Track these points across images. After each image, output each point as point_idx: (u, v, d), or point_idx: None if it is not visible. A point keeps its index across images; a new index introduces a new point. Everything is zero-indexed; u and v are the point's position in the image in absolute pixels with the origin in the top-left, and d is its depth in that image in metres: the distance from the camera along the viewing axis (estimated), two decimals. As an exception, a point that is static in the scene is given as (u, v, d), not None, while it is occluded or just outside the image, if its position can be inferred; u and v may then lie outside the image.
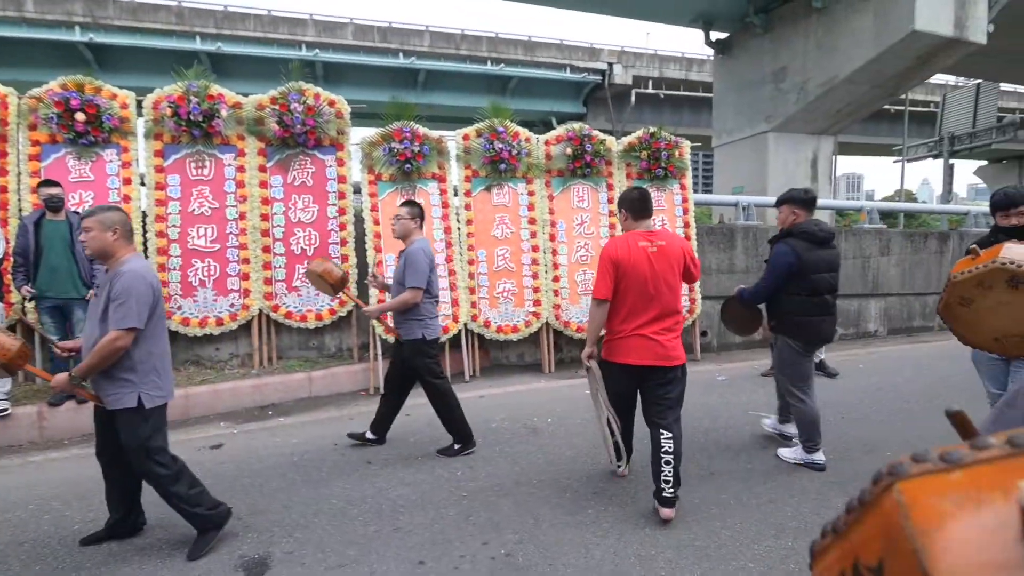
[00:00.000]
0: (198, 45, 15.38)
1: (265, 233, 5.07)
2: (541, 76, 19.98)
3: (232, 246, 4.96)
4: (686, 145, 6.39)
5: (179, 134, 4.82)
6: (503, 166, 5.65)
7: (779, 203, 3.49)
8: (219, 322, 4.91)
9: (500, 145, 5.61)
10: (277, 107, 5.01)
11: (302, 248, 5.21)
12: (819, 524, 2.00)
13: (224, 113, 4.87)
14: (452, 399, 3.62)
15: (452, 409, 3.60)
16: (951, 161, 16.99)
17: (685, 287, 3.95)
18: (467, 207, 5.68)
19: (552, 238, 5.90)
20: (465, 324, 5.51)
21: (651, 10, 13.72)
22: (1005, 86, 18.05)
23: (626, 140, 6.22)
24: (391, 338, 5.15)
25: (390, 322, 4.23)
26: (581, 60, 20.65)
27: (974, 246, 1.56)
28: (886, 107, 20.97)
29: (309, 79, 5.30)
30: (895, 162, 21.60)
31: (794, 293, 3.29)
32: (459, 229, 5.63)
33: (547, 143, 5.95)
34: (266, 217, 5.11)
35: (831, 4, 11.46)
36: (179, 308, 4.81)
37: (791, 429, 3.61)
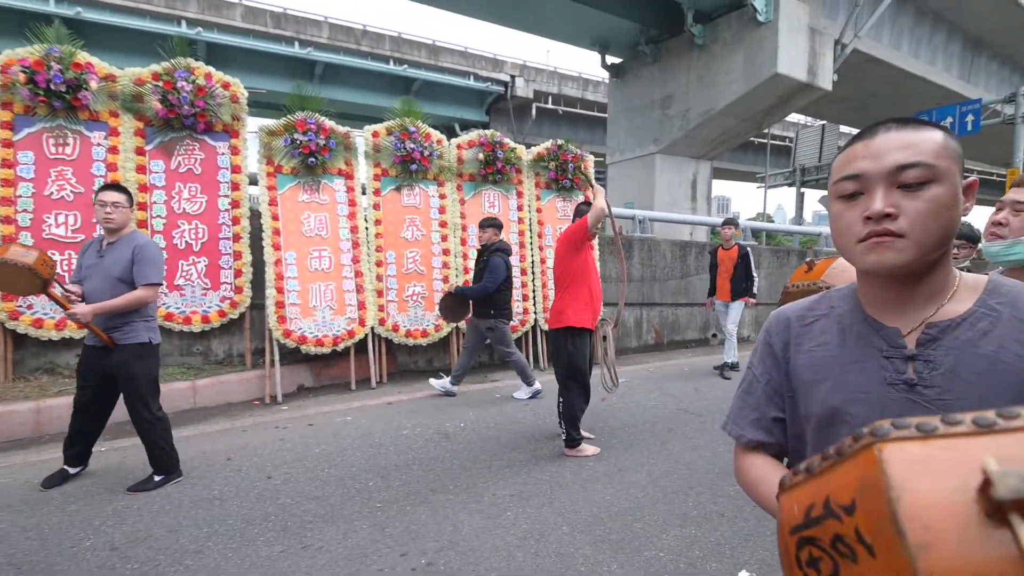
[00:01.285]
0: (51, 7, 13.29)
1: (142, 224, 4.50)
2: (446, 81, 19.90)
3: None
4: (591, 158, 6.71)
5: (35, 104, 4.12)
6: (414, 167, 5.54)
7: (485, 226, 4.87)
8: (80, 325, 4.24)
9: (412, 145, 5.49)
10: (161, 84, 4.48)
11: (187, 242, 4.70)
12: (716, 513, 2.18)
13: (94, 85, 4.26)
14: (166, 420, 3.15)
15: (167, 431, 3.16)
16: (802, 190, 19.56)
17: None
18: (376, 207, 5.49)
19: (463, 242, 5.88)
20: (372, 328, 5.30)
21: (552, 29, 14.28)
22: (844, 128, 21.24)
23: (536, 150, 6.39)
24: (291, 343, 4.84)
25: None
26: (484, 69, 20.87)
27: (810, 259, 1.80)
28: (751, 139, 23.69)
29: (190, 58, 4.79)
30: (758, 188, 24.44)
31: (504, 289, 4.77)
32: (367, 229, 5.42)
33: (459, 147, 5.94)
34: (144, 206, 4.53)
35: (710, 43, 12.74)
36: (29, 307, 4.10)
37: (453, 388, 5.06)
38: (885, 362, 0.78)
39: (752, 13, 11.39)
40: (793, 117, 25.07)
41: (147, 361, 3.02)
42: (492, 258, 4.69)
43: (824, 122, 19.94)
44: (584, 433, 3.99)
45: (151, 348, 3.04)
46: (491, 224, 4.86)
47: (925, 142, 0.72)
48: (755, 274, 6.05)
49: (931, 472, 0.41)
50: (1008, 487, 0.36)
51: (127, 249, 2.94)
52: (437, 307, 5.09)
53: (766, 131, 22.15)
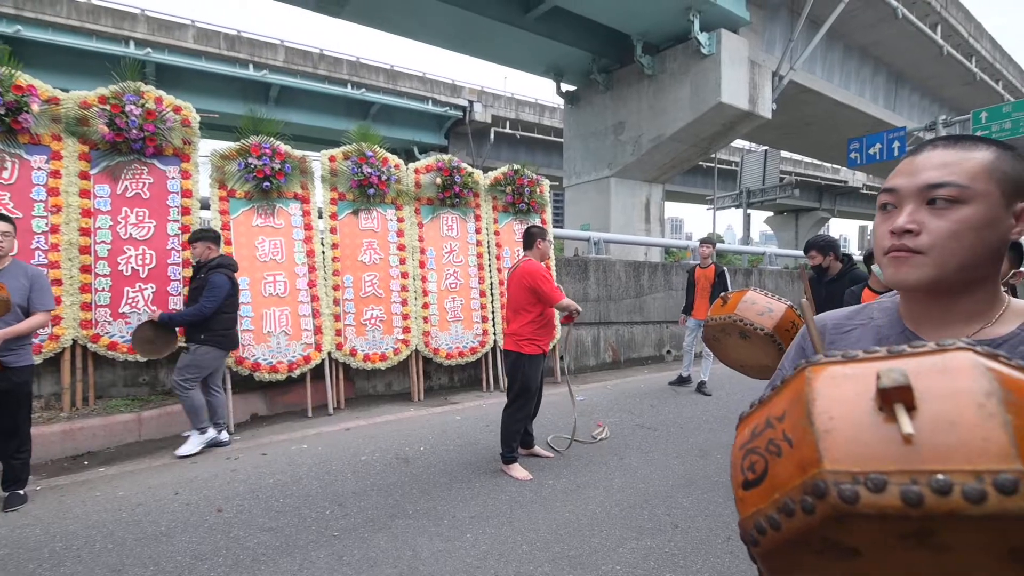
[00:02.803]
0: (-13, 25, 12.73)
1: (85, 250, 4.34)
2: (404, 105, 20.01)
3: (39, 263, 4.13)
4: (546, 183, 6.90)
5: (-31, 127, 3.96)
6: (372, 191, 5.56)
7: (194, 240, 4.20)
8: None
9: (369, 169, 5.52)
10: (108, 107, 4.38)
11: (133, 268, 4.54)
12: (671, 524, 2.29)
13: (36, 108, 4.12)
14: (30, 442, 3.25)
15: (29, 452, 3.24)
16: (748, 211, 20.52)
17: None
18: (332, 230, 5.46)
19: (422, 265, 5.91)
20: (329, 353, 5.23)
21: (509, 57, 14.68)
22: (784, 153, 22.52)
23: (493, 175, 6.52)
24: (244, 370, 4.72)
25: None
26: (443, 95, 21.12)
27: (724, 293, 1.96)
28: (700, 163, 24.77)
29: (141, 80, 4.70)
30: (708, 209, 25.48)
31: (226, 311, 4.14)
32: (323, 253, 5.38)
33: (417, 171, 6.00)
34: (87, 231, 4.37)
35: (659, 73, 13.37)
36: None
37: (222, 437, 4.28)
38: None
39: (696, 46, 12.05)
40: (738, 143, 26.43)
41: (31, 381, 3.24)
42: (213, 275, 4.03)
43: (767, 147, 21.11)
44: (543, 452, 4.06)
45: (33, 369, 3.27)
46: (202, 238, 4.16)
47: (966, 162, 0.72)
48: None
49: (844, 382, 0.50)
50: (890, 378, 0.46)
51: (18, 276, 3.07)
52: (131, 339, 4.09)
53: (713, 156, 23.23)
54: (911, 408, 0.46)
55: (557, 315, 4.19)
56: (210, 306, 3.97)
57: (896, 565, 0.46)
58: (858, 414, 0.47)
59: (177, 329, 4.17)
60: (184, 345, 4.09)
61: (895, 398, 0.46)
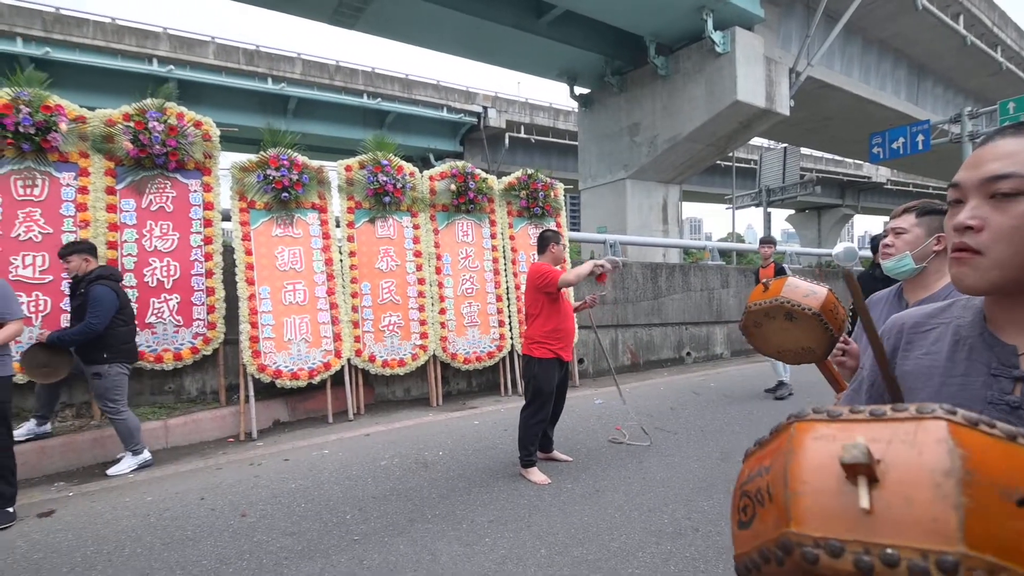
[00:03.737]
0: (19, 47, 13.22)
1: (112, 263, 4.46)
2: (419, 113, 20.23)
3: (67, 278, 4.28)
4: (560, 187, 6.90)
5: (2, 147, 4.11)
6: (387, 199, 5.63)
7: (66, 254, 3.89)
8: None
9: (384, 178, 5.59)
10: (132, 125, 4.52)
11: (159, 280, 4.67)
12: (691, 528, 2.27)
13: (64, 127, 4.28)
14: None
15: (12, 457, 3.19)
16: (768, 210, 20.21)
17: None
18: (350, 239, 5.54)
19: (438, 271, 5.96)
20: (348, 359, 5.29)
21: (521, 62, 14.75)
22: (804, 150, 22.17)
23: (506, 180, 6.55)
24: (266, 377, 4.81)
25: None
26: (457, 102, 21.30)
27: (765, 281, 2.00)
28: (718, 162, 24.49)
29: (166, 97, 4.85)
30: (727, 209, 25.18)
31: (120, 324, 3.89)
32: (341, 261, 5.46)
33: (431, 179, 6.06)
34: (114, 245, 4.51)
35: (673, 73, 13.29)
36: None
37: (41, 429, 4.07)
38: (991, 379, 0.71)
39: (711, 45, 11.96)
40: (756, 140, 26.08)
41: (9, 392, 3.21)
42: (93, 288, 3.74)
43: (786, 145, 20.78)
44: (561, 456, 4.05)
45: (10, 380, 3.22)
46: (75, 251, 3.88)
47: None
48: None
49: (823, 444, 0.52)
50: (851, 454, 0.48)
51: None
52: (23, 364, 3.72)
53: (731, 154, 22.97)
54: (874, 480, 0.48)
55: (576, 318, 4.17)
56: (97, 322, 3.70)
57: None
58: (827, 480, 0.50)
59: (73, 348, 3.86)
60: (96, 371, 3.82)
61: (858, 471, 0.48)
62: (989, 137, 0.73)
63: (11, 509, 3.12)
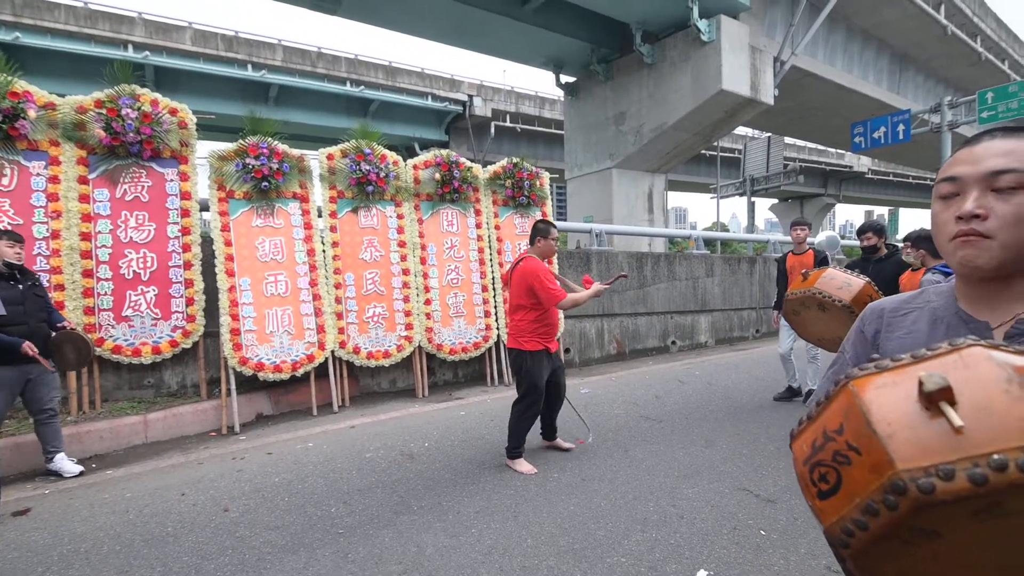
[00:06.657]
0: (-15, 32, 12.76)
1: (86, 254, 4.35)
2: (403, 102, 19.96)
3: (42, 269, 4.15)
4: (546, 176, 6.85)
5: (-35, 135, 3.97)
6: (371, 188, 5.54)
7: None
8: (20, 362, 4.05)
9: (367, 167, 5.50)
10: (104, 112, 4.38)
11: (135, 272, 4.56)
12: (676, 515, 2.27)
13: (32, 114, 4.13)
14: None
15: None
16: (752, 199, 20.36)
17: None
18: (332, 229, 5.46)
19: (423, 261, 5.90)
20: (332, 351, 5.24)
21: (507, 50, 14.59)
22: (788, 139, 22.33)
23: (492, 169, 6.49)
24: (248, 370, 4.74)
25: None
26: (442, 90, 21.04)
27: (805, 271, 2.04)
28: (703, 152, 24.58)
29: (139, 83, 4.68)
30: (711, 198, 25.32)
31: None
32: (324, 252, 5.37)
33: (415, 167, 5.98)
34: (88, 236, 4.39)
35: (659, 62, 13.26)
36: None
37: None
38: None
39: (696, 33, 11.93)
40: (741, 130, 26.20)
41: None
42: None
43: (770, 134, 20.90)
44: (564, 444, 4.04)
45: None
46: None
47: None
48: None
49: (887, 390, 0.57)
50: (932, 382, 0.53)
51: None
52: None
53: (716, 144, 23.06)
54: (952, 403, 0.53)
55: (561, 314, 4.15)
56: None
57: (971, 537, 0.53)
58: (910, 416, 0.54)
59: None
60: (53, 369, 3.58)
61: (939, 398, 0.53)
62: (978, 138, 0.81)
63: None
